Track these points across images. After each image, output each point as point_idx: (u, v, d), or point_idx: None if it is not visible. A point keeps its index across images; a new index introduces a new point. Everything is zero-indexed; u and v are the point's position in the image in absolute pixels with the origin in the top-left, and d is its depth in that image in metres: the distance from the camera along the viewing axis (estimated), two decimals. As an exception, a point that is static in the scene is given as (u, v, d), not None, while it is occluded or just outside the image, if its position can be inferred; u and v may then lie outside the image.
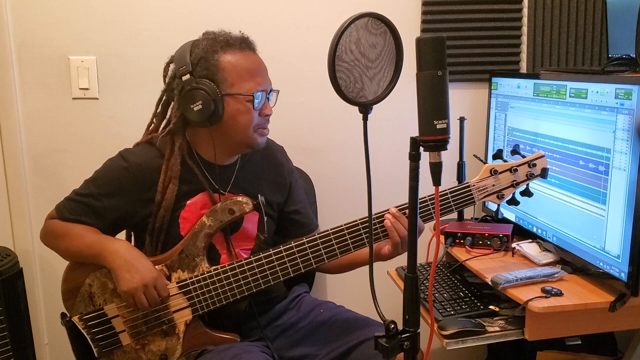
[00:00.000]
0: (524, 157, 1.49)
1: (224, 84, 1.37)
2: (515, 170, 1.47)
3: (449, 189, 1.44)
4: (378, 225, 1.40)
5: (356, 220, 1.40)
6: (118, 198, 1.44)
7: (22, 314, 1.88)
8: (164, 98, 1.48)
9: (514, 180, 1.47)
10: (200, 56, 1.38)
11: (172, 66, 1.44)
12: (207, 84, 1.36)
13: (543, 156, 1.49)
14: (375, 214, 1.40)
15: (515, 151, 1.52)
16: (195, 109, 1.36)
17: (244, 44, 1.41)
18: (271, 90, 1.45)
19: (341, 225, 1.41)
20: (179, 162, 1.43)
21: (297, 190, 1.65)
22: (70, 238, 1.43)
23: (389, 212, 1.39)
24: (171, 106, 1.46)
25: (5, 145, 1.94)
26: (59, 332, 1.85)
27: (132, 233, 1.54)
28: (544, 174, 1.48)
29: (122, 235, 1.54)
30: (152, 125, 1.51)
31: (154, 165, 1.44)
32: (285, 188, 1.61)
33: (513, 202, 1.50)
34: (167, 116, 1.48)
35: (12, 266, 1.83)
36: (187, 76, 1.37)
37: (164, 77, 1.47)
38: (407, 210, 1.32)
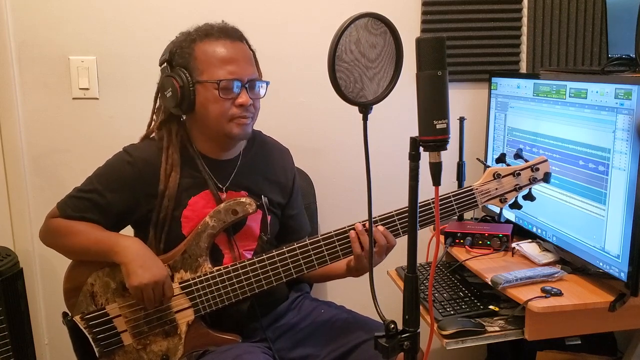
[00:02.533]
0: (526, 161, 1.49)
1: (195, 72, 1.39)
2: (518, 174, 1.47)
3: (452, 192, 1.44)
4: (345, 241, 1.41)
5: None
6: (122, 193, 1.44)
7: (22, 314, 1.88)
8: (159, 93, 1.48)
9: (516, 184, 1.47)
10: (178, 46, 1.41)
11: None
12: (180, 72, 1.38)
13: (546, 160, 1.49)
14: (343, 228, 1.41)
15: (518, 155, 1.52)
16: (168, 96, 1.39)
17: (221, 33, 1.41)
18: (251, 80, 1.41)
19: (344, 227, 1.41)
20: (178, 150, 1.44)
21: (296, 196, 1.65)
22: (74, 235, 1.43)
23: (355, 226, 1.40)
24: None
25: (5, 145, 1.94)
26: (59, 332, 1.86)
27: (134, 229, 1.54)
28: (546, 178, 1.48)
29: (126, 232, 1.53)
30: (153, 123, 1.51)
31: (158, 159, 1.44)
32: (288, 191, 1.61)
33: (516, 206, 1.50)
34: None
35: (12, 266, 1.83)
36: (164, 65, 1.41)
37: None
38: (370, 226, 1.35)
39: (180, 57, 1.40)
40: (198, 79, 1.38)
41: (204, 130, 1.45)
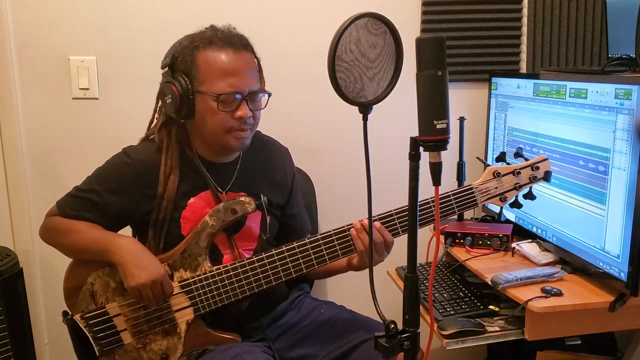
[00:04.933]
0: (527, 159, 1.49)
1: (196, 81, 1.36)
2: (518, 173, 1.46)
3: (451, 191, 1.44)
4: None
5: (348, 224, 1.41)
6: (120, 194, 1.44)
7: (22, 314, 1.88)
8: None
9: (516, 183, 1.47)
10: (180, 51, 1.38)
11: None
12: (180, 78, 1.36)
13: (546, 159, 1.48)
14: (341, 228, 1.40)
15: (518, 154, 1.52)
16: (167, 102, 1.38)
17: (225, 42, 1.37)
18: (252, 92, 1.39)
19: (342, 227, 1.41)
20: (177, 151, 1.44)
21: (296, 195, 1.65)
22: (73, 234, 1.43)
23: (354, 224, 1.39)
24: None
25: (5, 145, 1.94)
26: (59, 331, 1.86)
27: (134, 230, 1.54)
28: (547, 177, 1.48)
29: (126, 232, 1.53)
30: (155, 121, 1.51)
31: (157, 160, 1.44)
32: (287, 191, 1.61)
33: (516, 205, 1.49)
34: None
35: (12, 266, 1.83)
36: (166, 69, 1.39)
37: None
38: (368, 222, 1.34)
39: (181, 63, 1.37)
40: (198, 89, 1.36)
41: (202, 137, 1.44)
